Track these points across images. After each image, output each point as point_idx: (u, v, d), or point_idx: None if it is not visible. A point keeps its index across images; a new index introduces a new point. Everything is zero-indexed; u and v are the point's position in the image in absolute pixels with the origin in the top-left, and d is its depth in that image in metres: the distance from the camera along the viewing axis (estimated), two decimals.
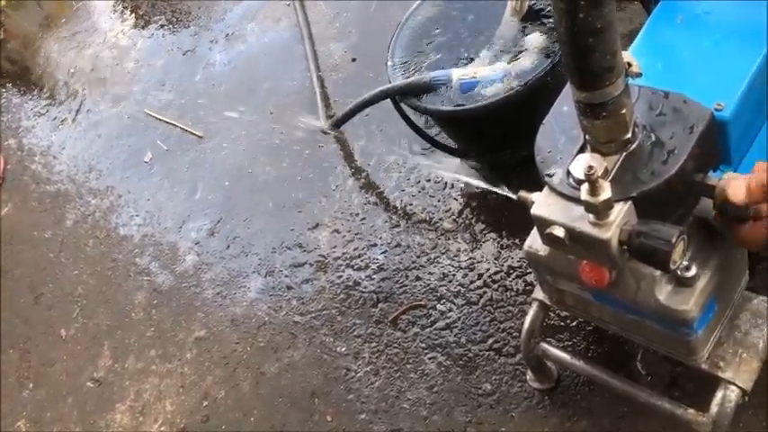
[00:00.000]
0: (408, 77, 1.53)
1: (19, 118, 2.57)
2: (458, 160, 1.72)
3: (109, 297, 1.92)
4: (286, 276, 1.73)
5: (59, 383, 1.82)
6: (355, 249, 1.70)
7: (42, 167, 2.36)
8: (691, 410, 1.07)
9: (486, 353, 1.44)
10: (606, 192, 0.79)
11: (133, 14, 2.66)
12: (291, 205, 1.85)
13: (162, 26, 2.54)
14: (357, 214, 1.76)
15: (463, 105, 1.44)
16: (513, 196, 0.97)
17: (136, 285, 1.90)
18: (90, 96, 2.48)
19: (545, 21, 1.48)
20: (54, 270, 2.06)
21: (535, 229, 0.96)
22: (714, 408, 1.02)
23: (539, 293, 1.19)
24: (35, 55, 2.76)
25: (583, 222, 0.83)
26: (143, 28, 2.58)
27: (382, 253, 1.66)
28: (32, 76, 2.69)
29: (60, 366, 1.85)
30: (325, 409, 1.50)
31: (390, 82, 1.55)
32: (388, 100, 1.58)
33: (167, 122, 2.23)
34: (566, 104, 0.91)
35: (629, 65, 0.80)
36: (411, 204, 1.72)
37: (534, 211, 0.88)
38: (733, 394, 1.02)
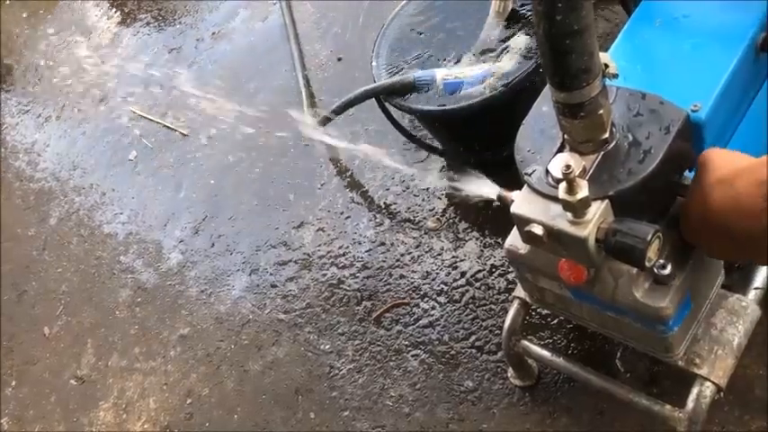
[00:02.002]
0: (393, 77, 1.54)
1: (2, 115, 2.56)
2: (441, 160, 1.73)
3: (93, 295, 1.91)
4: (270, 274, 1.74)
5: (42, 381, 1.81)
6: (340, 248, 1.71)
7: (26, 165, 2.35)
8: (668, 406, 1.09)
9: (469, 350, 1.45)
10: (583, 190, 0.80)
11: (119, 12, 2.65)
12: (276, 204, 1.86)
13: (148, 24, 2.54)
14: (342, 213, 1.77)
15: (447, 105, 1.46)
16: (492, 196, 0.99)
17: (120, 283, 1.90)
18: (74, 94, 2.47)
19: (528, 22, 1.50)
20: (37, 268, 2.05)
21: (515, 227, 0.97)
22: (690, 404, 1.04)
23: (520, 292, 1.21)
24: (19, 51, 2.74)
25: (561, 220, 0.84)
26: (128, 25, 2.57)
27: (366, 251, 1.67)
28: (16, 72, 2.68)
29: (43, 364, 1.84)
30: (309, 407, 1.51)
31: (375, 81, 1.56)
32: (373, 99, 1.60)
33: (152, 120, 2.22)
34: (545, 105, 0.93)
35: (607, 66, 0.81)
36: (395, 203, 1.73)
37: (513, 209, 0.89)
38: (708, 390, 1.04)
